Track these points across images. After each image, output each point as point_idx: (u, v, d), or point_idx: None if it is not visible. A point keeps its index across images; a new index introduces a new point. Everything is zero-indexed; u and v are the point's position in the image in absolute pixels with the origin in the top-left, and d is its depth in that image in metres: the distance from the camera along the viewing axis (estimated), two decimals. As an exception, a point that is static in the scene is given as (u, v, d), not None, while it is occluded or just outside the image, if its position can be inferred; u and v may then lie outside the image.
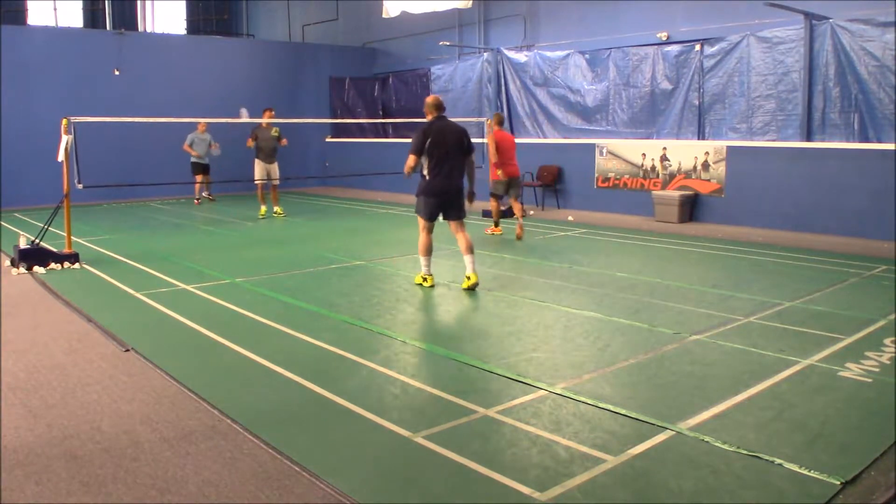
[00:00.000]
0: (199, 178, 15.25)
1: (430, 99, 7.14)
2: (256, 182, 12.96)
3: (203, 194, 15.70)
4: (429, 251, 7.16)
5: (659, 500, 3.13)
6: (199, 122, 14.92)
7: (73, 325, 5.98)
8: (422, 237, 7.14)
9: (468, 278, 7.06)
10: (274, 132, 12.72)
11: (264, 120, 12.68)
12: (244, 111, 13.56)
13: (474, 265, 7.11)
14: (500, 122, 10.75)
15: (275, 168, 12.95)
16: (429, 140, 6.83)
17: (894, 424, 3.85)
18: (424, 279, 7.23)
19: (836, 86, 10.86)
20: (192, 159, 15.22)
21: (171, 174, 15.06)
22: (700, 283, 7.48)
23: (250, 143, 12.70)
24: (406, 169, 6.99)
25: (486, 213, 13.02)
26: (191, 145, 15.10)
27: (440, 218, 7.16)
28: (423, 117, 7.20)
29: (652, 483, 3.26)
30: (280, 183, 13.83)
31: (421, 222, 7.13)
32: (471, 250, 7.07)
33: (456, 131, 7.02)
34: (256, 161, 12.82)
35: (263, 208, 13.20)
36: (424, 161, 6.92)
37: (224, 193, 17.20)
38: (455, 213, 7.10)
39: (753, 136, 11.91)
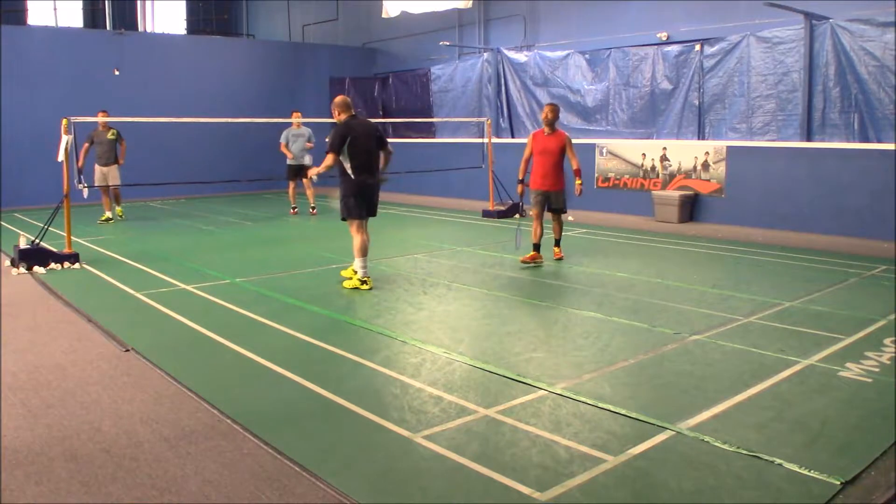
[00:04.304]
0: (291, 183, 13.49)
1: (338, 99, 7.16)
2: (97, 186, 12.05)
3: (295, 206, 13.71)
4: (366, 251, 7.13)
5: (659, 500, 3.13)
6: (294, 118, 13.22)
7: (73, 325, 5.97)
8: (357, 238, 7.11)
9: (366, 280, 7.14)
10: (111, 135, 12.23)
11: (100, 119, 11.86)
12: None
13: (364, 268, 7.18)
14: (548, 121, 8.46)
15: (112, 171, 12.27)
16: (348, 139, 6.88)
17: (894, 424, 3.85)
18: (363, 282, 7.12)
19: (836, 86, 10.86)
20: (288, 161, 13.31)
21: (171, 174, 14.99)
22: (700, 283, 7.48)
23: (86, 147, 12.01)
24: (323, 167, 6.98)
25: (487, 213, 13.02)
26: (287, 145, 13.19)
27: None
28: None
29: (652, 483, 3.26)
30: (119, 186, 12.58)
31: (353, 224, 7.14)
32: (364, 252, 7.13)
33: (369, 128, 7.11)
34: (96, 166, 12.21)
35: (108, 213, 12.43)
36: (345, 161, 6.96)
37: (223, 194, 17.21)
38: (373, 209, 7.23)
39: (753, 136, 11.91)
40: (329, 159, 6.93)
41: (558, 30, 15.39)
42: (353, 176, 7.00)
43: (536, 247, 8.44)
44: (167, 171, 15.04)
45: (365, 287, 7.12)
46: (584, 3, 14.84)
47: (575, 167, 8.42)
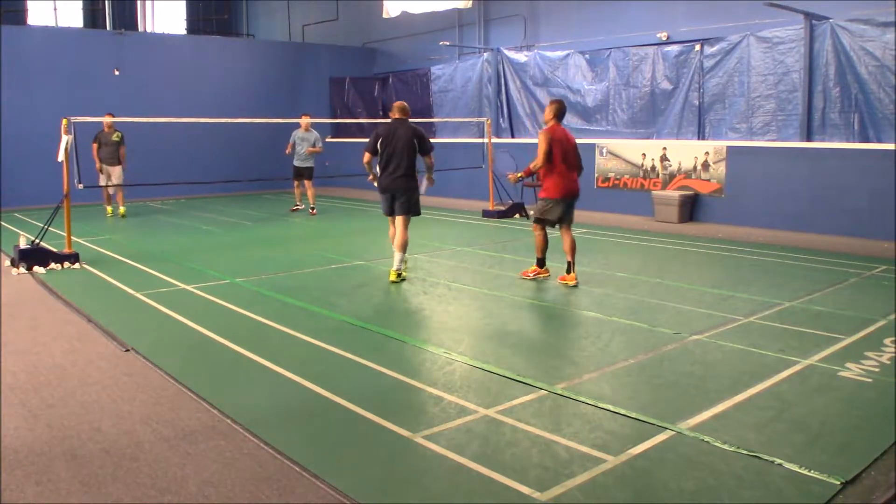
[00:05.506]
0: (296, 182, 13.74)
1: (396, 103, 7.73)
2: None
3: (298, 204, 14.07)
4: (400, 246, 7.51)
5: (659, 500, 3.13)
6: (303, 119, 13.36)
7: (73, 325, 5.97)
8: (391, 231, 7.70)
9: (392, 272, 7.51)
10: (115, 136, 12.59)
11: (106, 121, 12.28)
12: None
13: (400, 263, 7.52)
14: (559, 115, 7.49)
15: (116, 171, 12.71)
16: (380, 139, 7.41)
17: (894, 424, 3.85)
18: (398, 273, 7.53)
19: (836, 86, 10.86)
20: (294, 162, 13.57)
21: (171, 174, 14.99)
22: (700, 283, 7.48)
23: (95, 147, 12.59)
24: (364, 165, 7.59)
25: (487, 214, 13.02)
26: (294, 145, 13.43)
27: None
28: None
29: (652, 483, 3.26)
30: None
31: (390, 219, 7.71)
32: (402, 248, 7.53)
33: (407, 133, 7.43)
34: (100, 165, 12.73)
35: (109, 208, 13.44)
36: (377, 160, 7.55)
37: (223, 194, 17.21)
38: (401, 208, 7.53)
39: (753, 136, 11.91)
40: (364, 157, 7.55)
41: (558, 30, 15.39)
42: (379, 174, 7.56)
43: (540, 262, 7.62)
44: (167, 171, 15.03)
45: (392, 277, 7.44)
46: (584, 3, 14.84)
47: (530, 165, 7.32)
